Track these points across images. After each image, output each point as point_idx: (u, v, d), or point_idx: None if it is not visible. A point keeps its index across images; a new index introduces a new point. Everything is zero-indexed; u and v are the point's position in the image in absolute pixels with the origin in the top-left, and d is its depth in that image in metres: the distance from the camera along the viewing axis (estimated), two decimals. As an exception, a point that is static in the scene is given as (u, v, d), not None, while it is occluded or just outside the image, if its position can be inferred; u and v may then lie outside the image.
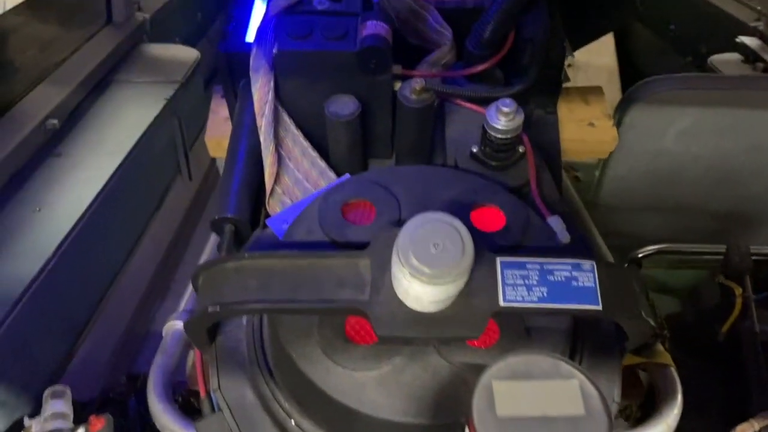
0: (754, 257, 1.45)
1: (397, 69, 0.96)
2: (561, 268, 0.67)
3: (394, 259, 0.62)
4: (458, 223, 0.63)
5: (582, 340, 0.77)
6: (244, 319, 0.82)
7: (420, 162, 1.01)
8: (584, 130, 1.30)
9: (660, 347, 1.06)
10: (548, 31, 1.02)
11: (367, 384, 0.68)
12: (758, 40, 2.03)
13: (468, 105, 1.00)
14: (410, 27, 1.03)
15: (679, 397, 0.84)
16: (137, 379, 1.28)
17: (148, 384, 0.88)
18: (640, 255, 1.55)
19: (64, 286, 1.29)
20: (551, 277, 0.67)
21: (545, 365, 0.59)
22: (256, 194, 0.96)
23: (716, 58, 2.03)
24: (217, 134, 1.24)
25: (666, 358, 1.02)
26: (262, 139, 0.93)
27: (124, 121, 1.66)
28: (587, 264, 0.68)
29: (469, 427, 0.57)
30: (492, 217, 0.81)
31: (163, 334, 1.01)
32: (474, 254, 0.61)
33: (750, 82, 1.67)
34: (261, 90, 0.92)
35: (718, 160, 1.55)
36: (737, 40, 2.06)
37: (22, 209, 1.33)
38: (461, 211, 0.80)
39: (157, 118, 1.68)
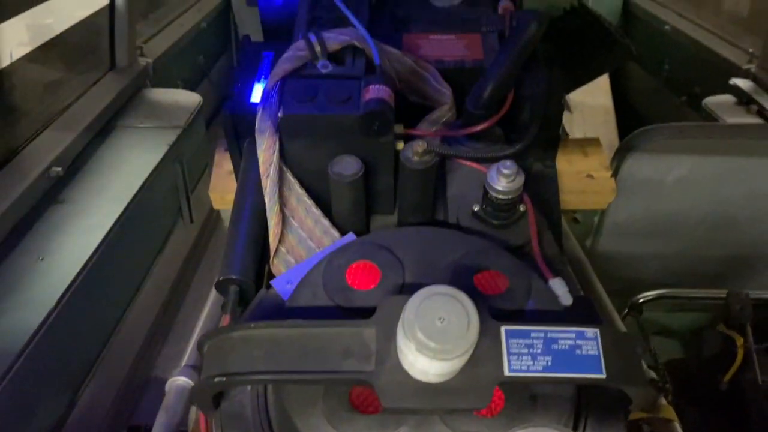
0: (754, 302, 1.45)
1: (398, 128, 0.97)
2: (565, 336, 0.68)
3: (400, 333, 0.63)
4: (463, 296, 0.63)
5: (587, 404, 0.77)
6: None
7: (422, 219, 1.01)
8: (583, 182, 1.32)
9: (663, 401, 1.06)
10: (547, 88, 1.04)
11: None
12: (751, 82, 2.06)
13: (469, 163, 1.02)
14: (411, 86, 1.05)
15: None
16: (138, 430, 1.27)
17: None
18: (640, 300, 1.56)
19: (65, 338, 1.28)
20: (555, 346, 0.67)
21: (551, 439, 0.59)
22: (261, 253, 0.96)
23: (710, 100, 2.06)
24: (221, 187, 1.25)
25: (669, 412, 1.02)
26: (266, 200, 0.94)
27: (127, 167, 1.67)
28: (590, 332, 0.68)
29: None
30: (495, 280, 0.82)
31: (166, 390, 1.01)
32: (479, 328, 0.62)
33: (746, 130, 1.69)
34: (266, 152, 0.93)
35: (715, 206, 1.57)
36: (731, 82, 2.09)
37: (25, 259, 1.33)
38: (465, 275, 0.81)
39: (159, 163, 1.70)
